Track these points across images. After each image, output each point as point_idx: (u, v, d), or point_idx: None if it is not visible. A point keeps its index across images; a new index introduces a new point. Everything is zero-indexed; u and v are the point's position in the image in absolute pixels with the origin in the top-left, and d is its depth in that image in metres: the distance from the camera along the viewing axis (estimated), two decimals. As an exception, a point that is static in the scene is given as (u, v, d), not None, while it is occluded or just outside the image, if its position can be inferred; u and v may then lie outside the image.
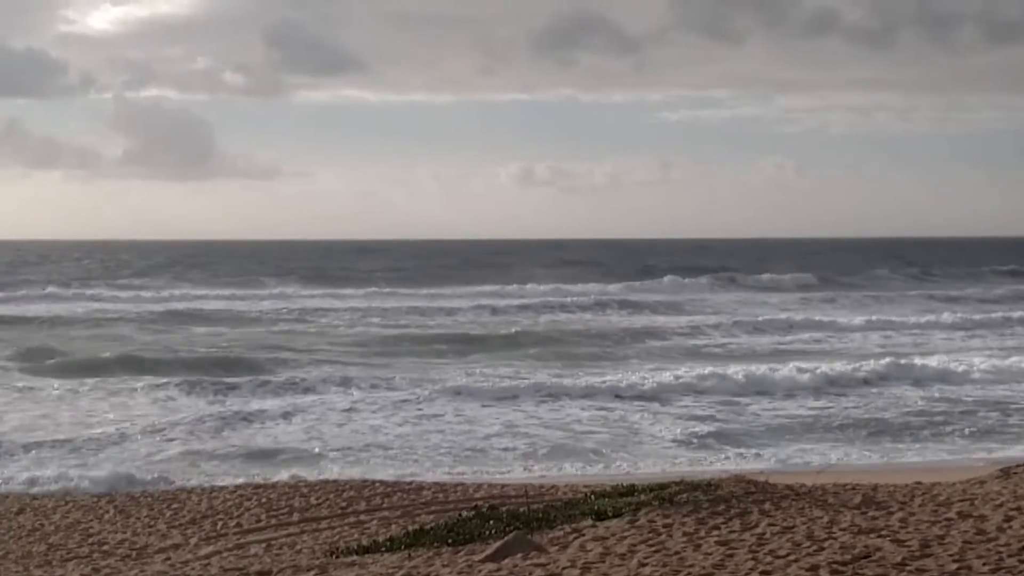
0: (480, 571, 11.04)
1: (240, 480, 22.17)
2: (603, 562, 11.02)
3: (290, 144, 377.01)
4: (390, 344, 47.69)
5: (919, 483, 16.18)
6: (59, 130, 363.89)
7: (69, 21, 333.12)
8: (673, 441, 26.72)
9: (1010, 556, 10.22)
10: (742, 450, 25.79)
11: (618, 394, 32.58)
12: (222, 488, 20.67)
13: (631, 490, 15.08)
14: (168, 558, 15.09)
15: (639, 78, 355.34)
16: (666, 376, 35.07)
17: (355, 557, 13.36)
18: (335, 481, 20.91)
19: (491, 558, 11.66)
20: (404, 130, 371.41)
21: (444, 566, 11.65)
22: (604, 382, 34.05)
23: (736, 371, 35.56)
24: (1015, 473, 17.42)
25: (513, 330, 52.54)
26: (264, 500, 18.92)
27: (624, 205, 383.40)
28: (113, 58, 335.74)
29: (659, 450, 25.92)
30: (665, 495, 13.93)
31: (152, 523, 17.77)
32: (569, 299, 69.58)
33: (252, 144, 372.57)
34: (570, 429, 28.07)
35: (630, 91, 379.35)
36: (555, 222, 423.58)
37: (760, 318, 57.71)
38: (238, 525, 17.28)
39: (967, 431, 27.83)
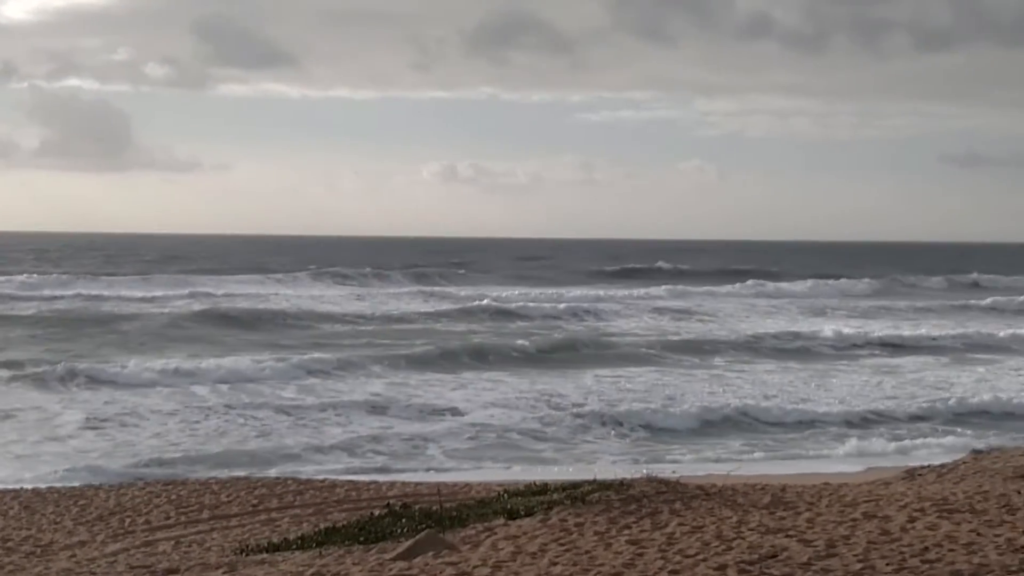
0: (391, 569, 11.01)
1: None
2: (514, 561, 11.04)
3: (211, 137, 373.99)
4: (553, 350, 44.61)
5: (827, 484, 16.41)
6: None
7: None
8: None
9: (913, 556, 10.40)
10: None
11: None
12: (131, 485, 20.40)
13: (544, 489, 15.11)
14: (74, 555, 14.86)
15: (571, 78, 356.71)
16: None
17: (265, 555, 13.26)
18: (246, 478, 20.75)
19: (402, 556, 11.63)
20: (326, 126, 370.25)
21: (355, 564, 11.60)
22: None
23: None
24: (920, 474, 17.77)
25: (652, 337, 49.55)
26: (174, 497, 18.70)
27: (547, 204, 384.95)
28: (30, 48, 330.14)
29: None
30: (577, 494, 13.98)
31: (58, 520, 17.48)
32: (621, 305, 66.20)
33: (173, 137, 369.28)
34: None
35: (552, 91, 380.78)
36: (477, 220, 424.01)
37: (917, 331, 53.05)
38: (147, 522, 17.07)
39: None
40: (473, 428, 28.56)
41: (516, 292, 75.96)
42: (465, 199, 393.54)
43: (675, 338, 49.14)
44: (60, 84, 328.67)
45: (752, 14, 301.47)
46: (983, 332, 53.08)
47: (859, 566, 10.10)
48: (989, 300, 73.95)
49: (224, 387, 33.64)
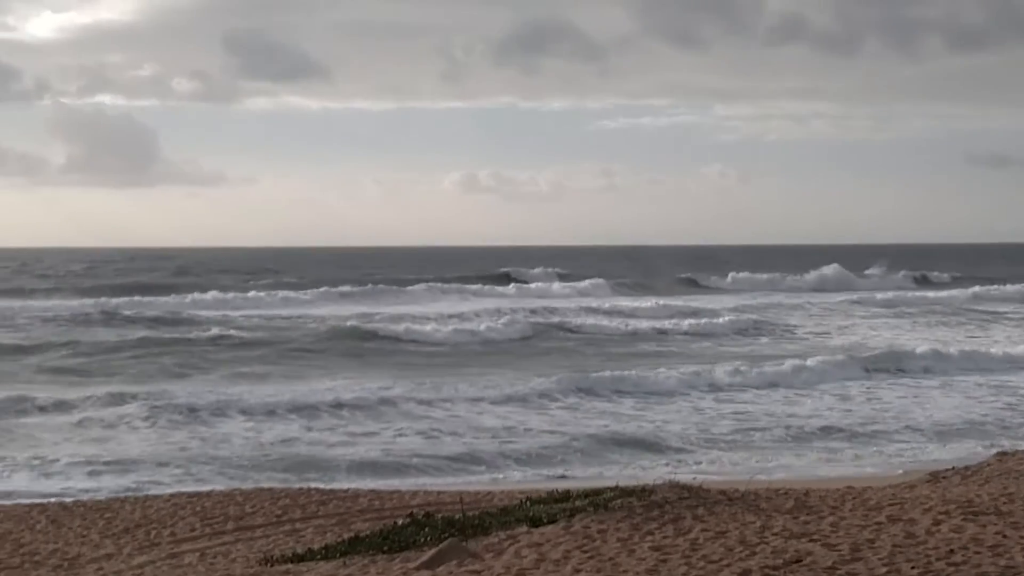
0: (415, 578, 11.04)
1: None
2: (537, 568, 11.07)
3: (236, 151, 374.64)
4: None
5: (850, 487, 16.37)
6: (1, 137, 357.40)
7: (9, 28, 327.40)
8: None
9: (938, 560, 10.38)
10: None
11: None
12: (156, 497, 20.48)
13: (566, 496, 15.11)
14: (100, 568, 14.94)
15: (594, 85, 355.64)
16: None
17: (290, 566, 13.31)
18: (270, 489, 20.79)
19: (426, 565, 11.67)
20: (347, 137, 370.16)
21: (379, 574, 11.64)
22: None
23: None
24: (944, 477, 17.71)
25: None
26: (199, 508, 18.76)
27: (569, 212, 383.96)
28: (56, 65, 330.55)
29: None
30: (600, 501, 13.98)
31: (85, 533, 17.56)
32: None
33: (198, 150, 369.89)
34: None
35: (570, 99, 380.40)
36: (499, 229, 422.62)
37: None
38: (172, 534, 17.13)
39: None
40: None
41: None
42: (487, 208, 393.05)
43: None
44: (86, 100, 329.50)
45: (783, 16, 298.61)
46: None
47: (884, 570, 10.09)
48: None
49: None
